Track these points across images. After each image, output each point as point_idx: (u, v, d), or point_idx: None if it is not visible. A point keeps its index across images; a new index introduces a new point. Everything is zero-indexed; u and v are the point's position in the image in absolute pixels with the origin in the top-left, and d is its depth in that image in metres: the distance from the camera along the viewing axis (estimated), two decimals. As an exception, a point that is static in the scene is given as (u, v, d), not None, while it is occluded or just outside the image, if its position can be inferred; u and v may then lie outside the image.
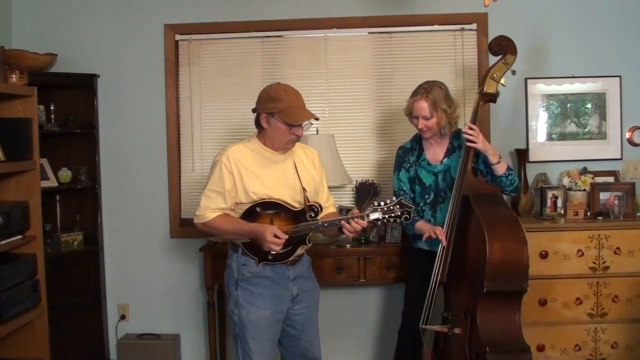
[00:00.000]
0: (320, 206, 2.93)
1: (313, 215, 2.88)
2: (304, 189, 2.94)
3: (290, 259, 2.93)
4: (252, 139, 2.98)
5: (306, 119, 2.86)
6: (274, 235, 2.75)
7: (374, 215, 2.78)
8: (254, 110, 2.95)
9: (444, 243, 3.09)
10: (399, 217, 2.78)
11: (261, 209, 2.88)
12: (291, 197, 2.92)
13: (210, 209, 2.88)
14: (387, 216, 2.78)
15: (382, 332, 4.25)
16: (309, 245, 2.96)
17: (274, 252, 2.85)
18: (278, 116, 2.83)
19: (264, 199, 2.87)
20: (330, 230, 2.93)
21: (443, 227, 3.13)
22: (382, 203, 2.80)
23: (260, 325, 2.92)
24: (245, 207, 2.89)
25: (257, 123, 2.94)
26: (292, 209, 2.90)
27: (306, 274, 3.05)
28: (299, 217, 2.89)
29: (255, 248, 2.87)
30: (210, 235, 3.91)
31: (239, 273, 2.93)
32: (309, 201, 2.92)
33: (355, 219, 2.78)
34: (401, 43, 4.16)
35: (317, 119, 2.89)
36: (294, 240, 2.86)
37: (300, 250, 2.97)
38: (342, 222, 2.81)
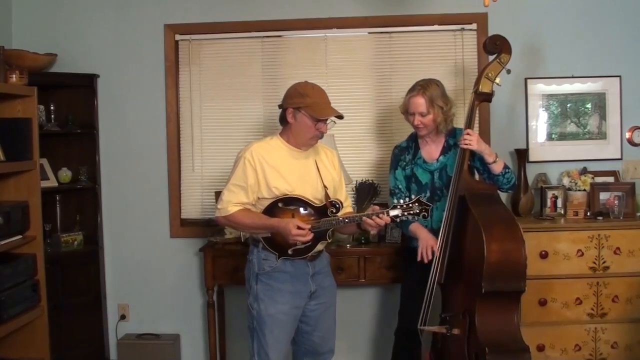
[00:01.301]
0: (341, 202, 2.99)
1: (334, 211, 2.93)
2: (325, 186, 2.99)
3: (310, 254, 2.97)
4: (274, 136, 3.04)
5: (332, 115, 2.93)
6: (296, 227, 2.80)
7: (393, 212, 2.86)
8: (280, 106, 3.01)
9: (436, 254, 3.12)
10: (417, 214, 2.86)
11: (283, 205, 2.93)
12: (312, 195, 2.97)
13: (232, 202, 2.93)
14: (406, 213, 2.86)
15: (381, 332, 4.24)
16: (329, 241, 2.99)
17: (301, 246, 2.88)
18: (305, 111, 2.90)
19: (286, 194, 2.93)
20: (348, 227, 3.01)
21: (440, 228, 3.14)
22: (402, 201, 2.88)
23: (279, 319, 2.96)
24: (268, 202, 2.94)
25: (283, 119, 3.00)
26: (314, 205, 2.95)
27: (325, 271, 3.11)
28: (319, 213, 2.94)
29: (275, 243, 2.93)
30: (211, 235, 3.93)
31: (259, 267, 2.98)
32: (330, 198, 2.97)
33: (378, 215, 2.85)
34: (401, 43, 4.16)
35: (342, 116, 2.95)
36: (314, 235, 2.89)
37: (320, 246, 3.01)
38: (364, 217, 2.87)
